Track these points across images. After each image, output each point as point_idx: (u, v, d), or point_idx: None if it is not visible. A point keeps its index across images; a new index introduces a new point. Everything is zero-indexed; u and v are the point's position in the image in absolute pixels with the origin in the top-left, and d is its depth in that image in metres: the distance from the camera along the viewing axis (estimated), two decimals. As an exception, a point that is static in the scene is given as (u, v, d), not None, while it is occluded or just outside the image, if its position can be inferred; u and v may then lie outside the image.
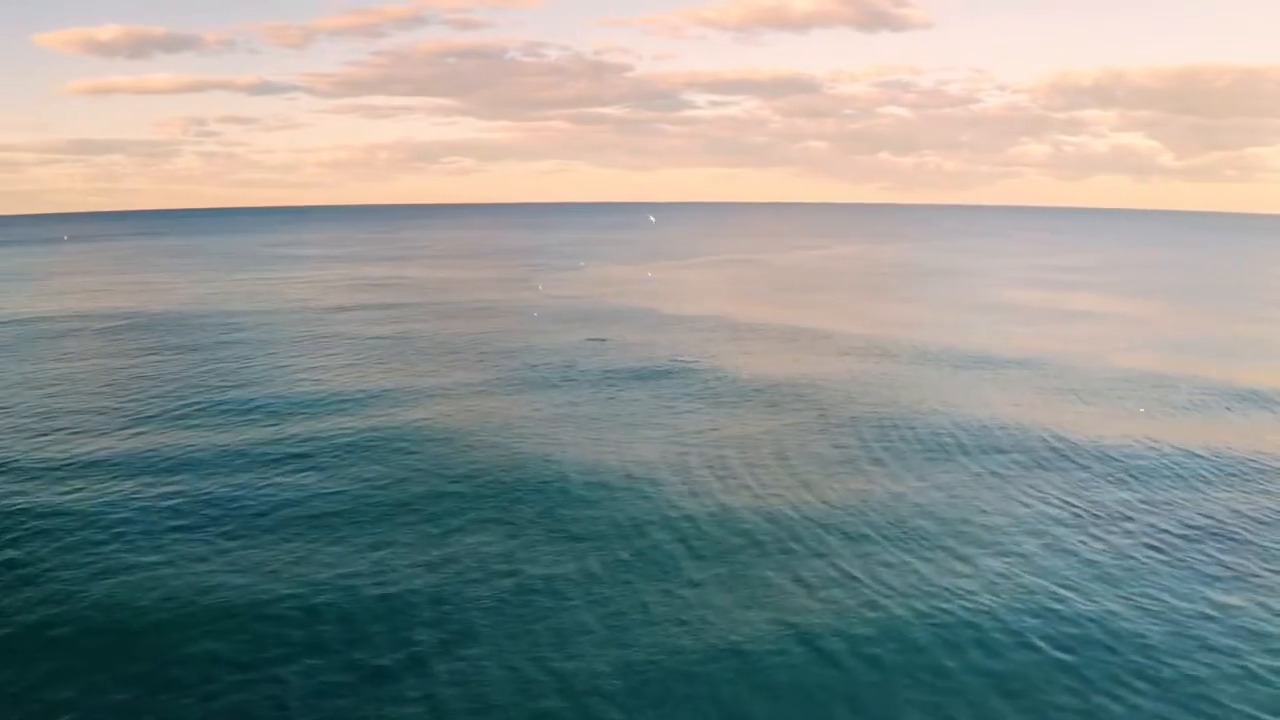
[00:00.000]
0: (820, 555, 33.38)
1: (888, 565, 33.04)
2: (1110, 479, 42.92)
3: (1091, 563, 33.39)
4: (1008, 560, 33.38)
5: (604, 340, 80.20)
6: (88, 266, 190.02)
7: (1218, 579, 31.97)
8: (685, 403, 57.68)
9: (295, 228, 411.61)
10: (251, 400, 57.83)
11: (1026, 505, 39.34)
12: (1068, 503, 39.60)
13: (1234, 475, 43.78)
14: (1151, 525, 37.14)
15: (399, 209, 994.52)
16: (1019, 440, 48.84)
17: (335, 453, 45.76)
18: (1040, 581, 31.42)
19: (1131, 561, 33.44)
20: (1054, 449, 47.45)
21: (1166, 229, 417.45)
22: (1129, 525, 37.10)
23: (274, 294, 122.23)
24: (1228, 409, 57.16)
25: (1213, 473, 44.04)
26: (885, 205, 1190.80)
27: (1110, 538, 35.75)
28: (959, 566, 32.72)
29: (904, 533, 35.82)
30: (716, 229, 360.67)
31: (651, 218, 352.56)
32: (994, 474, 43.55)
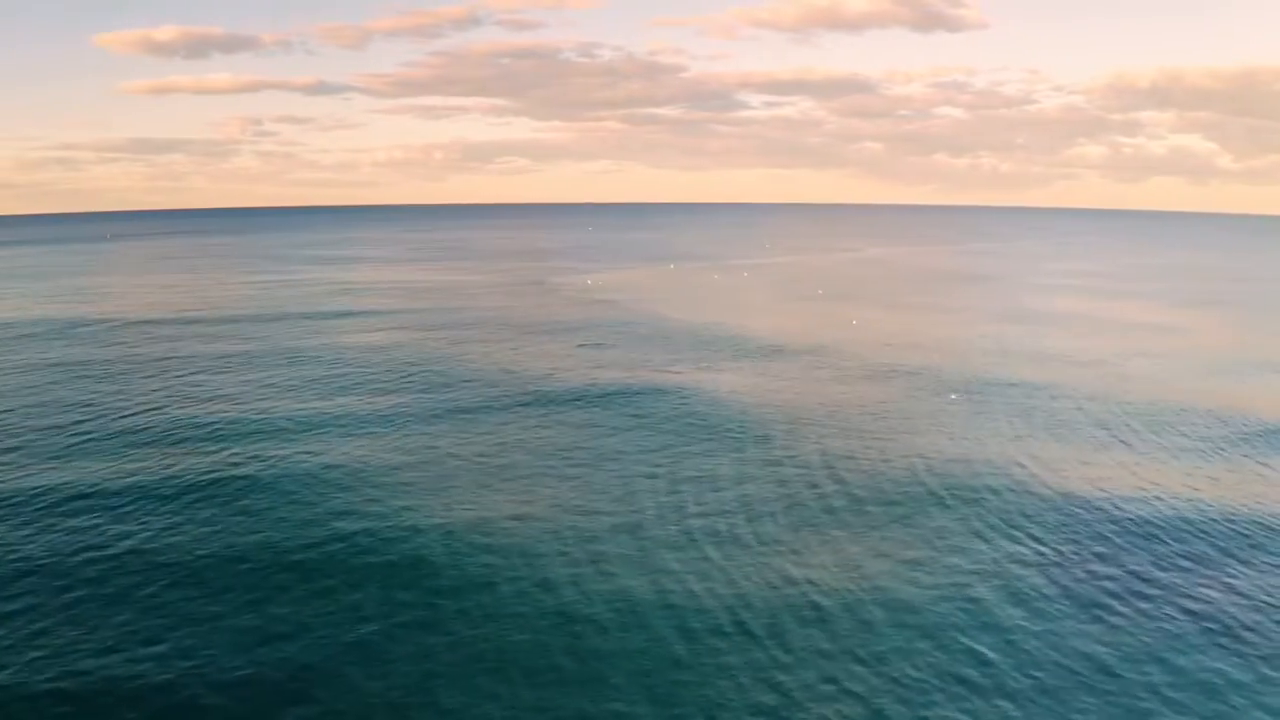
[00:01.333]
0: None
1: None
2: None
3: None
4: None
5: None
6: (111, 265, 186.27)
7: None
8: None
9: (349, 227, 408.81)
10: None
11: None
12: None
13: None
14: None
15: (454, 209, 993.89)
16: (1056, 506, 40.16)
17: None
18: None
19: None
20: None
21: (1224, 233, 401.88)
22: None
23: (295, 294, 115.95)
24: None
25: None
26: (940, 207, 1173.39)
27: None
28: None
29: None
30: (760, 230, 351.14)
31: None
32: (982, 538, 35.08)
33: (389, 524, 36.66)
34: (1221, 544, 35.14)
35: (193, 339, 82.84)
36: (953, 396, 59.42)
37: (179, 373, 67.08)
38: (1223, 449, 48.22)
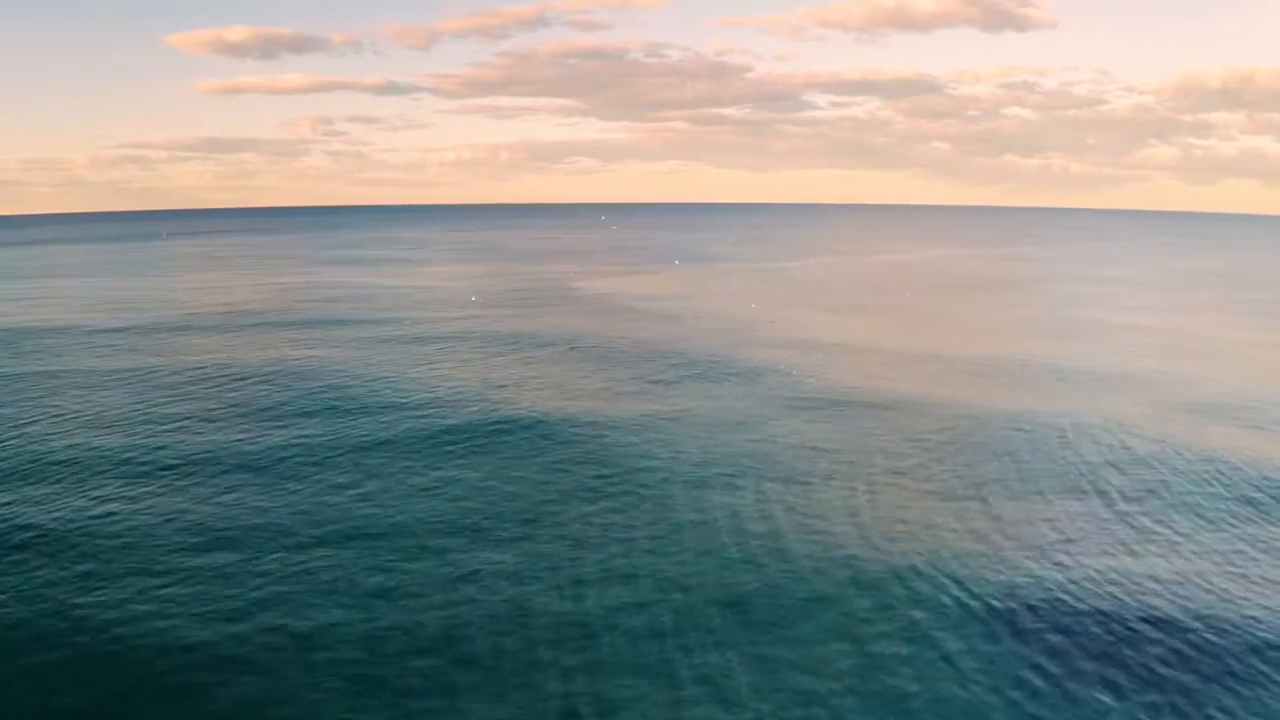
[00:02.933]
0: None
1: None
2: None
3: None
4: None
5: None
6: (155, 263, 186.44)
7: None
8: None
9: (419, 225, 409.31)
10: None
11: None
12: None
13: None
14: None
15: (522, 208, 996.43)
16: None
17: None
18: None
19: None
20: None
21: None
22: None
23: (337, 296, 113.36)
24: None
25: None
26: (1009, 209, 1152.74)
27: None
28: None
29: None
30: (809, 231, 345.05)
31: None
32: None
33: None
34: None
35: (191, 341, 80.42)
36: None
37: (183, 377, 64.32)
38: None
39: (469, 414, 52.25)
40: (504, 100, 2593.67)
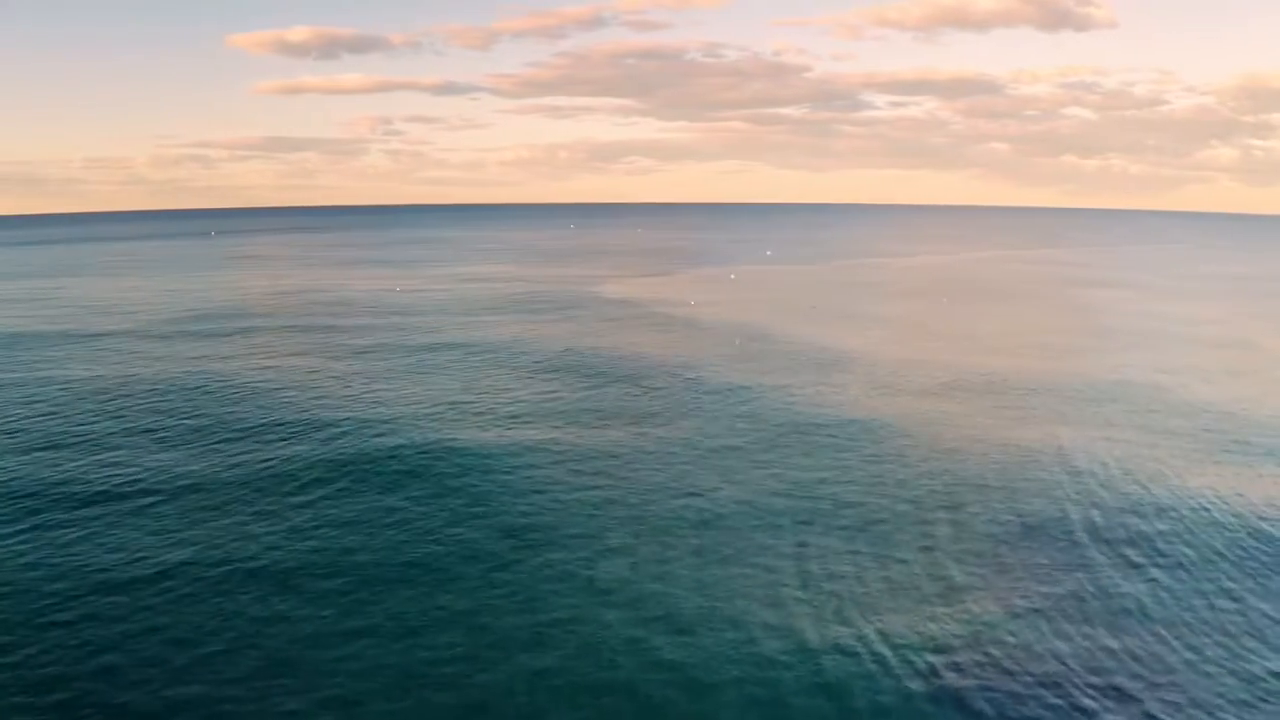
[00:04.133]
0: None
1: None
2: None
3: None
4: None
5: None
6: (180, 261, 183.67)
7: None
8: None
9: (481, 224, 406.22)
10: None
11: None
12: None
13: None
14: None
15: (581, 208, 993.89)
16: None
17: None
18: None
19: None
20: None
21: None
22: None
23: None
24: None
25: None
26: (1067, 210, 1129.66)
27: None
28: None
29: None
30: (873, 231, 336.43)
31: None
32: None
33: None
34: None
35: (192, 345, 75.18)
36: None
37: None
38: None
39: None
40: (562, 100, 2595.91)
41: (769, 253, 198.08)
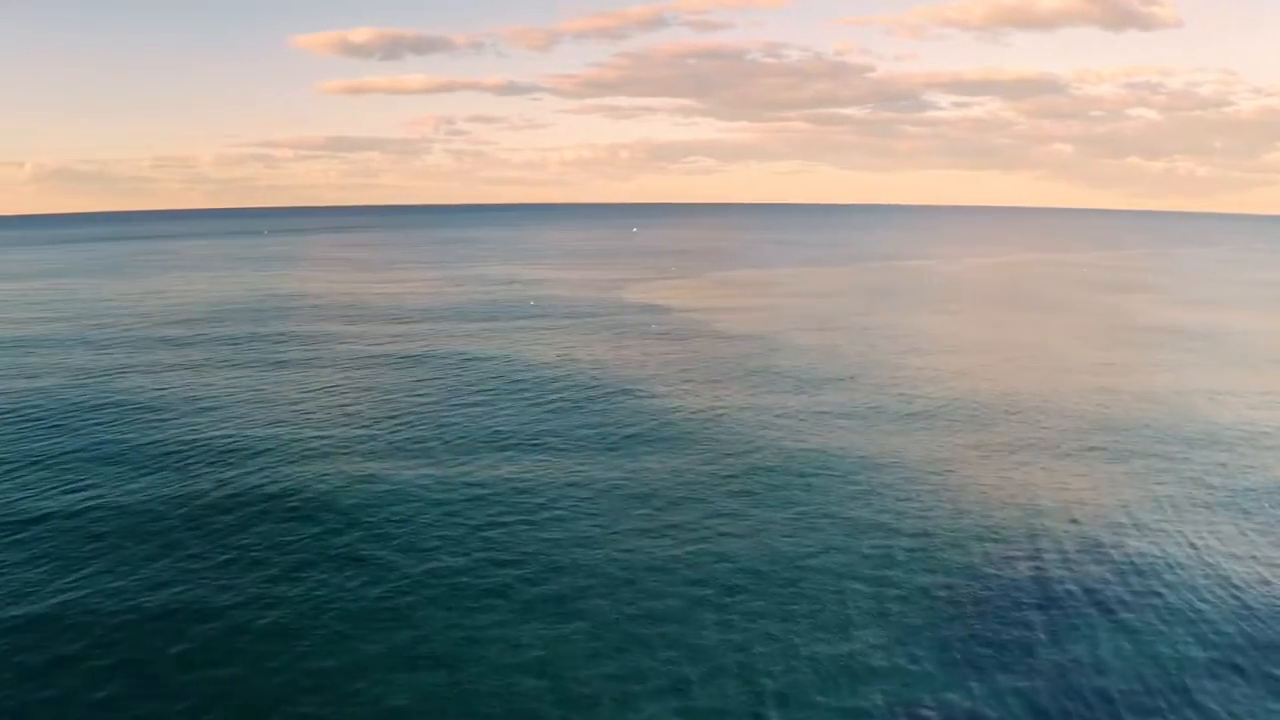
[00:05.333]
0: None
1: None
2: None
3: None
4: None
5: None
6: (218, 260, 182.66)
7: None
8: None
9: (528, 223, 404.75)
10: None
11: None
12: None
13: None
14: None
15: (642, 208, 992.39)
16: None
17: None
18: None
19: None
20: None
21: None
22: None
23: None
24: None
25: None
26: (1132, 212, 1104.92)
27: None
28: None
29: None
30: (915, 233, 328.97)
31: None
32: None
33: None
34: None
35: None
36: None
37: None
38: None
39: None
40: (623, 100, 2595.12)
41: (801, 252, 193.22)
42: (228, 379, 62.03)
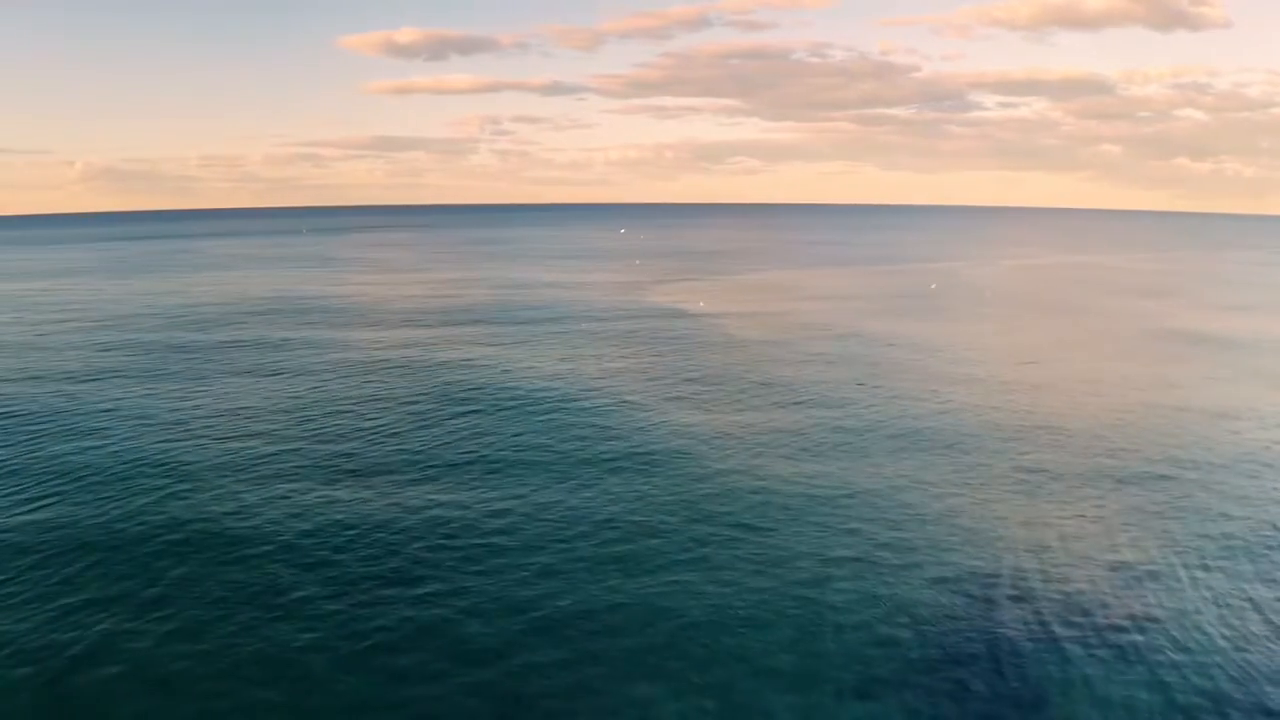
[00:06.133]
0: None
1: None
2: None
3: None
4: None
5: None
6: (255, 261, 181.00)
7: None
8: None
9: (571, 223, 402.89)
10: None
11: None
12: None
13: None
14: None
15: (685, 208, 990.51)
16: None
17: None
18: None
19: None
20: None
21: None
22: None
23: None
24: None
25: None
26: (1178, 214, 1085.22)
27: None
28: None
29: None
30: (950, 235, 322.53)
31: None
32: None
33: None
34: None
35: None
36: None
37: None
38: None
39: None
40: (667, 100, 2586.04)
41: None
42: (150, 390, 58.98)
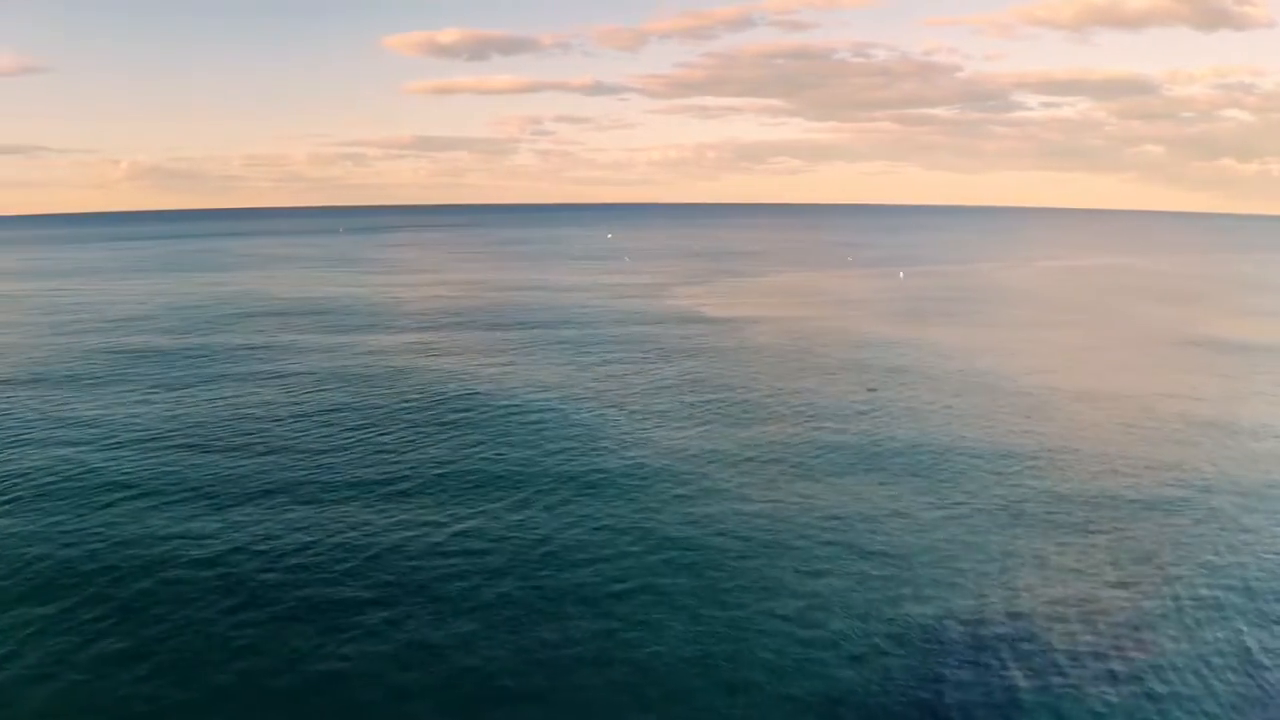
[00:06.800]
0: None
1: None
2: None
3: None
4: None
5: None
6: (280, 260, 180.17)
7: None
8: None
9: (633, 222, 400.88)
10: None
11: None
12: None
13: None
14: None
15: (727, 208, 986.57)
16: None
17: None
18: None
19: None
20: None
21: None
22: None
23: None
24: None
25: None
26: (1223, 215, 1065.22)
27: None
28: None
29: None
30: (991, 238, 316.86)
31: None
32: None
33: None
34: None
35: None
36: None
37: None
38: None
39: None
40: (710, 100, 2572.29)
41: (850, 259, 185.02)
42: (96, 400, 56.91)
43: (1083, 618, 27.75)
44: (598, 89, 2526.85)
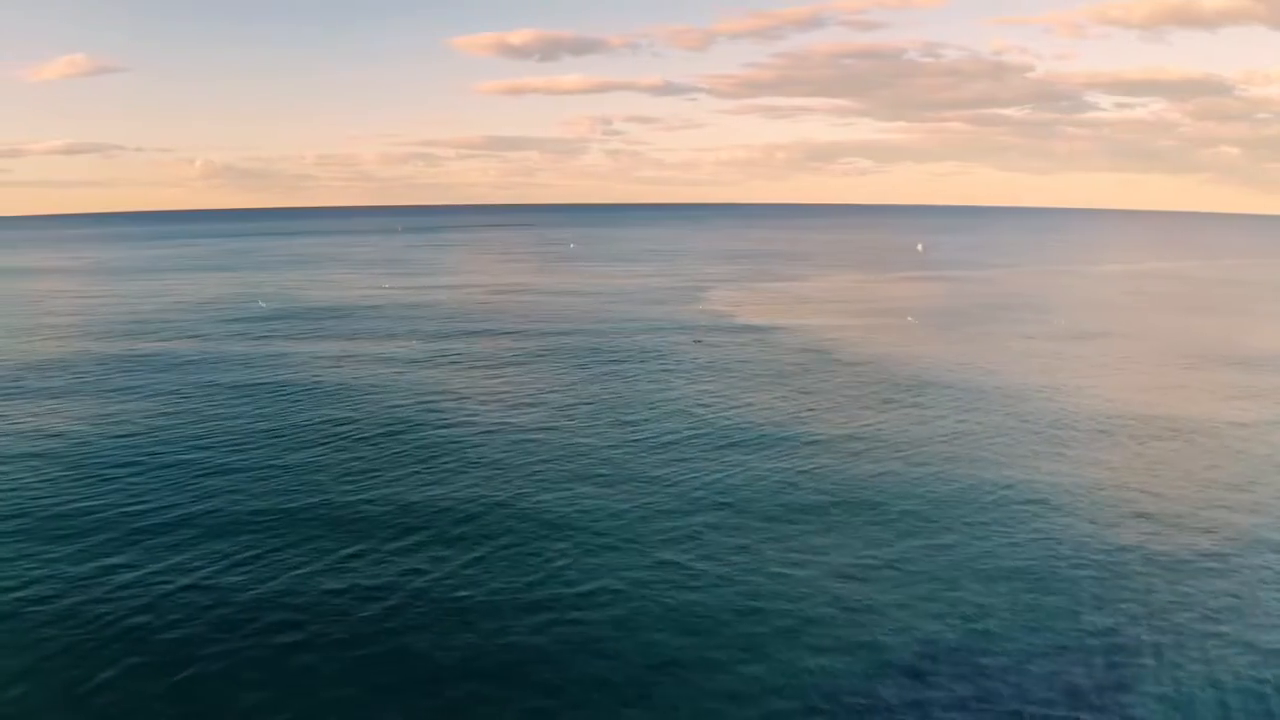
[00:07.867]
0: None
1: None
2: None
3: None
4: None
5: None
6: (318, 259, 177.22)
7: None
8: None
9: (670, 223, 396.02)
10: None
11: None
12: None
13: None
14: None
15: (797, 208, 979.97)
16: None
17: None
18: None
19: None
20: None
21: None
22: None
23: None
24: None
25: None
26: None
27: None
28: None
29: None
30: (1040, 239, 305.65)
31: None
32: None
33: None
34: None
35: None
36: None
37: None
38: None
39: None
40: (779, 100, 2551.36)
41: (919, 247, 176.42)
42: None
43: None
44: (666, 89, 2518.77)
